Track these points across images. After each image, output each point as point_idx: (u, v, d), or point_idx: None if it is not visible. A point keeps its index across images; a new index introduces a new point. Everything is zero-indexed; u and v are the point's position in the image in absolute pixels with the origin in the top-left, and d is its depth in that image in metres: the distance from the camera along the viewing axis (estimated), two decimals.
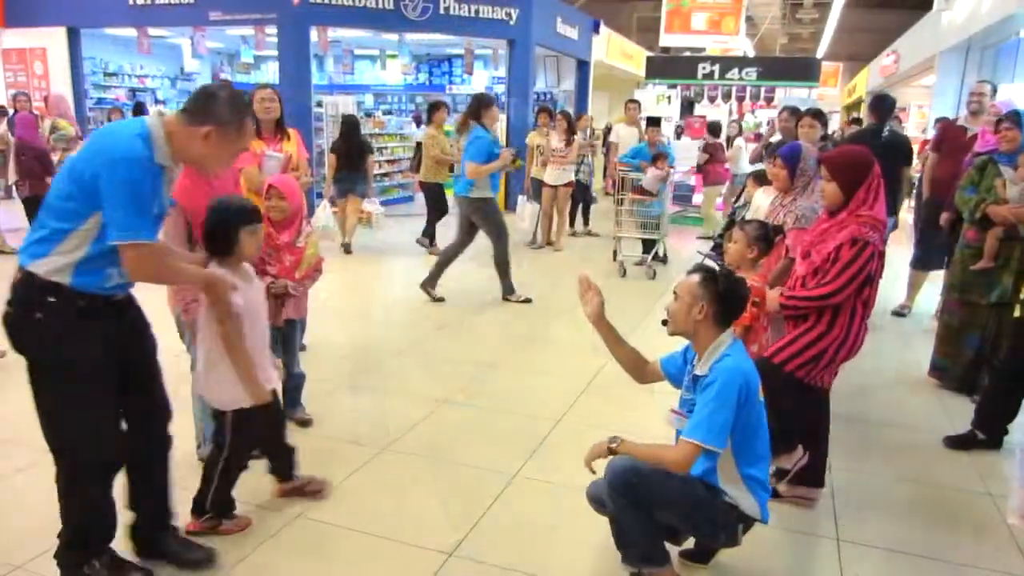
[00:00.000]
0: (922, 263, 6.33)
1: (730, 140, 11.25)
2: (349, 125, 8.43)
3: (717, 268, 2.49)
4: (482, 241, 6.44)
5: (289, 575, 2.60)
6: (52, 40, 12.03)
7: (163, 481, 2.57)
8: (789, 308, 2.95)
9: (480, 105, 6.20)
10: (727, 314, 2.40)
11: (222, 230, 2.56)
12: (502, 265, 6.48)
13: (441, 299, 6.36)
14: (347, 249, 8.42)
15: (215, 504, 2.75)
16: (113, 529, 2.43)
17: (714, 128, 10.77)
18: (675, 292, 2.45)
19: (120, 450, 2.38)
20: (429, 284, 6.41)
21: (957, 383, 4.54)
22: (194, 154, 2.25)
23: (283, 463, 2.99)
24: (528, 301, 6.46)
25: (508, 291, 6.52)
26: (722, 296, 2.36)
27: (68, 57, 12.11)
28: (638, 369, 2.70)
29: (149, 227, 2.16)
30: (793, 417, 2.98)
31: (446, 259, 6.44)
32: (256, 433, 2.79)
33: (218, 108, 2.23)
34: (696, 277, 2.40)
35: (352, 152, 8.31)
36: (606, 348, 2.67)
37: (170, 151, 2.19)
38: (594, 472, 2.43)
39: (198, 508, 2.75)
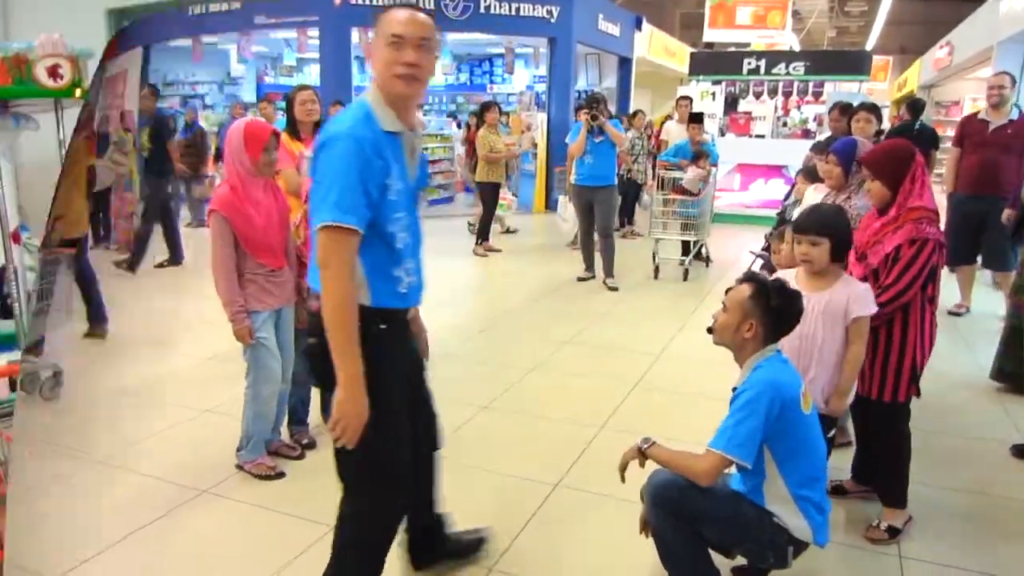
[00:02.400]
0: (951, 259, 6.04)
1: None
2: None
3: (770, 280, 2.32)
4: (517, 240, 6.41)
5: None
6: (132, 61, 12.29)
7: (437, 489, 2.54)
8: None
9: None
10: (777, 332, 2.28)
11: None
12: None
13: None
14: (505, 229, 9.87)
15: None
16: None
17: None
18: (724, 303, 2.32)
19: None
20: (608, 274, 7.03)
21: (1019, 388, 4.36)
22: None
23: None
24: (616, 290, 6.87)
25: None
26: (774, 313, 2.23)
27: (140, 74, 12.36)
28: None
29: None
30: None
31: (591, 248, 7.20)
32: None
33: None
34: (747, 290, 2.26)
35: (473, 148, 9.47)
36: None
37: None
38: (624, 482, 2.32)
39: None
